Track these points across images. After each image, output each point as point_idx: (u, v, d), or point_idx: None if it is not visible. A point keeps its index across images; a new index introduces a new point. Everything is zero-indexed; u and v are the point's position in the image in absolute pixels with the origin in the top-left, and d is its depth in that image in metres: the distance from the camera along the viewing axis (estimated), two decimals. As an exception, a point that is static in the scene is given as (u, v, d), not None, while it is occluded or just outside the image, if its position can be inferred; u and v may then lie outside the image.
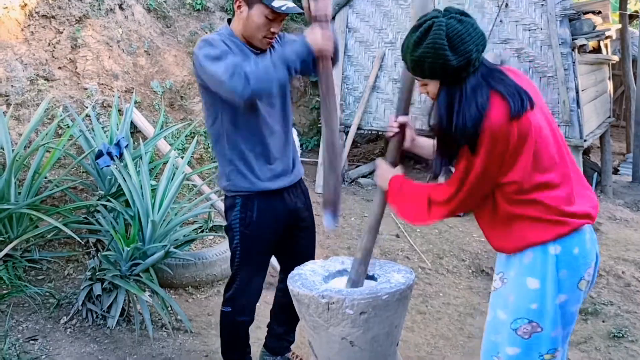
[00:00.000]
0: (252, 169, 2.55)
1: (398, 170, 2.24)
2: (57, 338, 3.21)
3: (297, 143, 2.92)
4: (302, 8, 2.31)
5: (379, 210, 2.34)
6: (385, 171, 2.24)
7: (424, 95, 5.80)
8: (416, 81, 2.00)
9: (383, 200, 2.30)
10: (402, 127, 2.23)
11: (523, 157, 1.88)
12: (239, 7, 2.36)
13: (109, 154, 3.30)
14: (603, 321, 3.62)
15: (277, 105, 2.56)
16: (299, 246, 2.83)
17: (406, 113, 2.26)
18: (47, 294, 3.52)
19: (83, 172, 4.32)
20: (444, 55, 1.78)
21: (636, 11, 12.93)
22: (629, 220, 5.22)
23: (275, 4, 2.28)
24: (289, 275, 2.51)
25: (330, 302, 2.29)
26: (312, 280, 2.48)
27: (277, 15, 2.33)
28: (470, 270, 4.30)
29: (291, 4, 2.33)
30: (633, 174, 6.64)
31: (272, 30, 2.36)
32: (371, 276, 2.56)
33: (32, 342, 3.15)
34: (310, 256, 2.89)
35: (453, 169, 1.99)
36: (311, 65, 2.35)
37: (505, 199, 1.95)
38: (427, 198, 2.04)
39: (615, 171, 7.12)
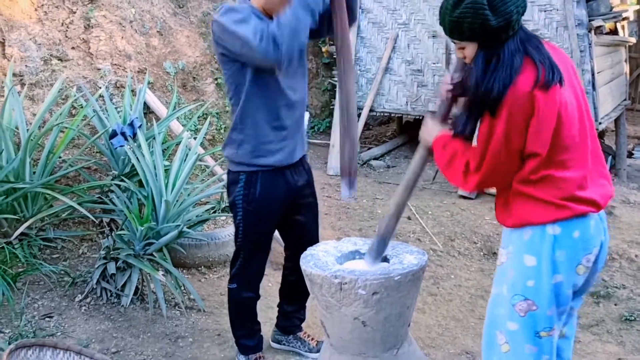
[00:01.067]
0: (262, 142, 2.56)
1: (444, 128, 2.14)
2: (72, 316, 3.26)
3: (306, 124, 2.91)
4: None
5: (419, 167, 2.26)
6: (432, 127, 2.16)
7: (437, 77, 5.84)
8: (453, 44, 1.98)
9: (424, 157, 2.23)
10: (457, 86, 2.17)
11: (546, 129, 1.87)
12: None
13: (123, 134, 3.31)
14: (615, 304, 3.62)
15: (297, 77, 2.57)
16: (302, 223, 2.86)
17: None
18: (62, 272, 3.57)
19: (97, 152, 4.34)
20: (483, 14, 1.77)
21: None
22: (643, 204, 5.18)
23: None
24: (302, 255, 2.52)
25: (343, 282, 2.30)
26: (324, 260, 2.49)
27: None
28: (481, 253, 4.30)
29: None
30: (648, 158, 6.59)
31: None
32: (384, 257, 2.57)
33: (47, 319, 3.20)
34: (314, 233, 2.92)
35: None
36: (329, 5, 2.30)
37: (519, 177, 1.95)
38: (465, 163, 2.00)
39: (630, 155, 7.06)
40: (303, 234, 2.88)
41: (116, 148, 3.43)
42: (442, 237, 4.46)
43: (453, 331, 3.43)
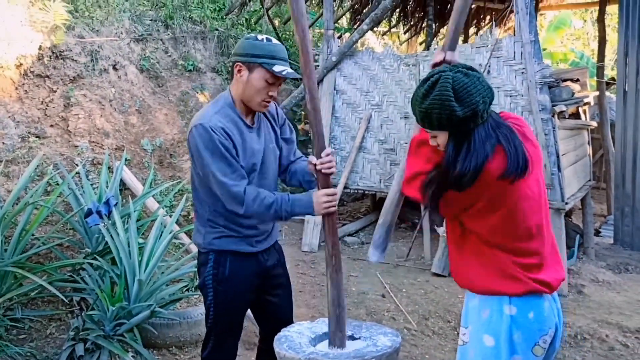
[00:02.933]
0: (229, 232, 2.57)
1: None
2: (36, 401, 3.15)
3: None
4: (299, 72, 2.43)
5: None
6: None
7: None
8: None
9: None
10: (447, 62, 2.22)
11: (491, 218, 1.96)
12: (240, 71, 2.44)
13: (99, 212, 3.32)
14: (588, 385, 3.62)
15: (270, 176, 2.63)
16: (275, 304, 2.81)
17: (453, 50, 2.24)
18: (29, 354, 3.46)
19: (70, 229, 4.32)
20: (450, 106, 1.83)
21: (612, 78, 13.42)
22: (612, 282, 5.27)
23: (276, 68, 2.37)
24: (276, 337, 2.50)
25: (317, 366, 2.28)
26: (298, 342, 2.47)
27: (276, 79, 2.42)
28: (455, 332, 4.29)
29: (290, 70, 2.42)
30: (614, 236, 6.75)
31: (271, 93, 2.45)
32: (358, 338, 2.57)
33: (10, 405, 3.08)
34: (288, 313, 2.88)
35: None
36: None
37: (476, 236, 2.03)
38: (414, 175, 2.09)
39: (597, 233, 7.22)
40: (276, 315, 2.84)
41: (91, 226, 3.42)
42: (416, 315, 4.46)
43: (428, 414, 3.38)
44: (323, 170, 2.42)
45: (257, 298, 2.76)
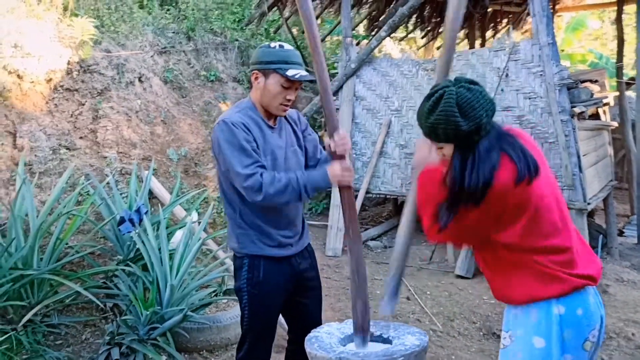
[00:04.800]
0: (260, 236, 2.65)
1: (434, 158, 2.18)
2: (75, 403, 3.26)
3: None
4: (313, 75, 2.52)
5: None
6: (421, 151, 2.22)
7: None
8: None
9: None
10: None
11: (520, 222, 2.00)
12: (256, 78, 2.55)
13: (131, 220, 3.43)
14: (616, 384, 3.64)
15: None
16: (306, 306, 2.89)
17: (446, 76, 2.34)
18: (66, 358, 3.58)
19: (101, 237, 4.45)
20: (455, 121, 1.90)
21: (632, 78, 13.31)
22: (637, 282, 5.26)
23: (289, 72, 2.47)
24: (306, 338, 2.58)
25: (348, 365, 2.35)
26: (328, 342, 2.54)
27: (291, 83, 2.51)
28: (481, 333, 4.33)
29: (304, 72, 2.52)
30: (638, 235, 6.71)
31: (288, 97, 2.55)
32: (386, 338, 2.63)
33: (50, 407, 3.19)
34: (317, 316, 2.95)
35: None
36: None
37: (508, 249, 2.06)
38: (433, 215, 2.11)
39: (621, 233, 7.18)
40: (307, 317, 2.91)
41: (124, 234, 3.54)
42: (441, 317, 4.51)
43: (456, 414, 3.42)
44: (337, 151, 2.49)
45: (289, 300, 2.84)
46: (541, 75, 5.33)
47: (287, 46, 2.57)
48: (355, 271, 2.53)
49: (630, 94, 9.14)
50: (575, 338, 2.03)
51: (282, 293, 2.77)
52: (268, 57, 2.50)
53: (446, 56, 2.37)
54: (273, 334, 2.90)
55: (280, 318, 3.06)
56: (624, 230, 7.43)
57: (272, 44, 2.55)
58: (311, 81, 2.58)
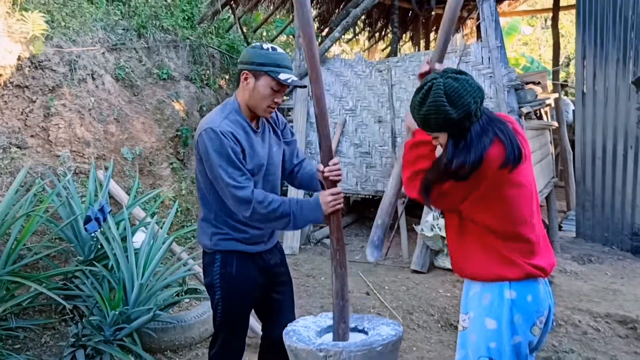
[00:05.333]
0: (234, 234, 2.68)
1: None
2: (40, 407, 3.17)
3: None
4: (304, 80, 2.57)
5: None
6: (412, 119, 2.31)
7: (384, 159, 6.19)
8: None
9: None
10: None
11: (491, 203, 2.12)
12: (246, 78, 2.54)
13: (97, 219, 3.37)
14: (567, 368, 3.85)
15: (274, 181, 2.74)
16: (278, 301, 2.93)
17: (441, 62, 2.44)
18: (27, 362, 3.48)
19: (56, 239, 4.32)
20: (444, 110, 2.00)
21: (565, 81, 14.05)
22: (578, 273, 5.57)
23: (281, 76, 2.48)
24: (284, 332, 2.61)
25: (328, 355, 2.40)
26: (306, 335, 2.60)
27: (281, 87, 2.53)
28: (439, 325, 4.49)
29: (295, 77, 2.55)
30: (577, 229, 7.09)
31: (276, 100, 2.57)
32: (361, 330, 2.71)
33: (14, 412, 3.10)
34: (291, 309, 2.99)
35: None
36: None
37: (475, 225, 2.19)
38: (414, 173, 2.25)
39: (559, 228, 7.58)
40: (280, 312, 2.95)
41: (91, 233, 3.47)
42: (400, 310, 4.63)
43: (421, 402, 3.54)
44: (331, 178, 2.57)
45: (261, 296, 2.87)
46: (490, 77, 5.56)
47: (279, 49, 2.58)
48: (340, 294, 2.58)
49: (563, 97, 9.65)
50: (524, 322, 2.17)
51: (254, 288, 2.79)
52: (260, 58, 2.50)
53: (441, 42, 2.47)
54: (246, 330, 2.92)
55: (252, 323, 3.07)
56: (562, 225, 7.83)
57: (265, 46, 2.55)
58: (301, 86, 2.61)
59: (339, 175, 2.57)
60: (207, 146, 2.49)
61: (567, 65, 15.69)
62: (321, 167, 2.56)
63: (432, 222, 5.51)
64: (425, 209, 5.68)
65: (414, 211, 6.55)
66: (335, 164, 2.55)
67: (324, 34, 8.81)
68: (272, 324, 2.95)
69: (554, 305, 2.32)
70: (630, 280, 5.36)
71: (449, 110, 2.01)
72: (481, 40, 5.74)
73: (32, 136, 4.78)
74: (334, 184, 2.57)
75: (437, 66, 2.38)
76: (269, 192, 2.65)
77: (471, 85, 2.04)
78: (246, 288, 2.75)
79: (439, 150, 2.21)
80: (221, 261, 2.69)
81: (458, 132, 2.07)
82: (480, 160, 2.04)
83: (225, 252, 2.69)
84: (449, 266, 5.42)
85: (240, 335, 2.88)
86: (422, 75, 2.40)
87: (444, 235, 5.29)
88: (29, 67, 4.82)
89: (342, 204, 2.59)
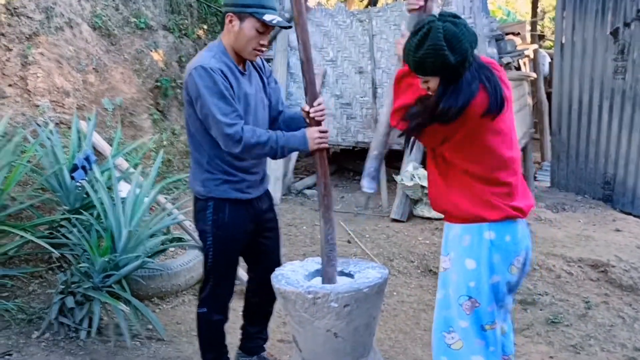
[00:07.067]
0: (227, 180, 2.73)
1: None
2: (31, 352, 3.23)
3: None
4: (288, 22, 2.56)
5: None
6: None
7: (365, 110, 6.23)
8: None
9: None
10: (426, 1, 2.42)
11: (472, 148, 2.19)
12: (231, 21, 2.54)
13: (83, 167, 3.37)
14: (540, 309, 4.04)
15: (261, 122, 2.77)
16: (265, 246, 3.01)
17: None
18: (15, 308, 3.52)
19: (39, 189, 4.31)
20: (443, 54, 2.00)
21: (542, 31, 14.08)
22: (552, 220, 5.75)
23: (266, 17, 2.48)
24: (272, 275, 2.70)
25: (316, 297, 2.50)
26: (295, 278, 2.69)
27: (266, 28, 2.54)
28: (419, 271, 4.64)
29: (280, 18, 2.55)
30: (551, 179, 7.28)
31: (261, 42, 2.57)
32: (347, 273, 2.81)
33: (7, 357, 3.15)
34: (277, 254, 3.09)
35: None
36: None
37: (455, 168, 2.27)
38: (401, 107, 2.30)
39: (534, 178, 7.78)
40: (267, 256, 3.03)
41: (77, 182, 3.47)
42: (381, 258, 4.77)
43: (402, 343, 3.69)
44: (316, 118, 2.61)
45: (250, 240, 2.93)
46: (472, 26, 5.56)
47: None
48: (328, 238, 2.67)
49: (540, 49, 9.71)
50: (503, 262, 2.28)
51: (245, 234, 2.86)
52: (244, 0, 2.50)
53: None
54: (235, 274, 3.01)
55: (240, 272, 3.15)
56: (536, 175, 8.03)
57: None
58: (285, 27, 2.61)
59: (324, 115, 2.62)
60: (197, 84, 2.49)
61: (542, 18, 15.72)
62: (306, 107, 2.60)
63: (411, 172, 5.60)
64: (405, 159, 5.77)
65: (393, 162, 6.63)
66: (319, 104, 2.58)
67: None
68: (258, 265, 3.04)
69: (531, 246, 2.42)
70: (602, 227, 5.56)
71: (447, 55, 1.99)
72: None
73: (9, 85, 4.70)
74: (318, 124, 2.62)
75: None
76: (260, 125, 2.71)
77: (469, 30, 2.05)
78: (237, 234, 2.82)
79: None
80: (214, 208, 2.74)
81: (451, 77, 2.07)
82: (466, 106, 2.08)
83: (218, 199, 2.74)
84: (428, 215, 5.56)
85: (230, 278, 2.96)
86: (412, 11, 2.41)
87: (424, 184, 5.41)
88: (5, 14, 4.69)
89: (327, 144, 2.65)
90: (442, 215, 2.51)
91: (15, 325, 3.43)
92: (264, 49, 2.62)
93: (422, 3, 2.36)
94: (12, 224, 3.75)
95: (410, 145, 2.37)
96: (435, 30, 2.02)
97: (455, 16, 2.10)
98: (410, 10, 2.46)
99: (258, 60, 2.80)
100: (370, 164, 2.67)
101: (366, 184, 2.67)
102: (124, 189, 3.92)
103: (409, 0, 2.40)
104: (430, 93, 2.18)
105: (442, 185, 2.36)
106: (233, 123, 2.49)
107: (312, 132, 2.59)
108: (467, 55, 2.04)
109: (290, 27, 2.57)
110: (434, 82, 2.13)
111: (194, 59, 2.60)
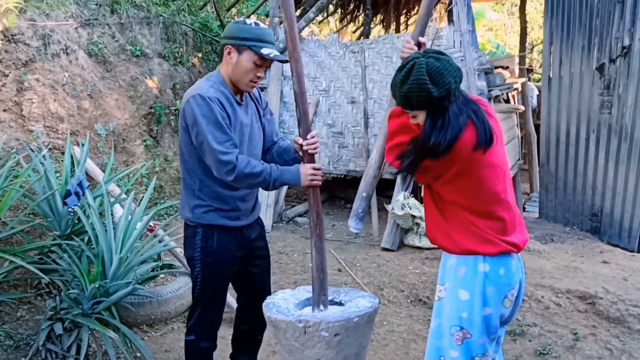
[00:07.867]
0: (217, 207, 2.75)
1: None
2: (18, 379, 3.21)
3: None
4: (282, 52, 2.63)
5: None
6: None
7: (356, 139, 6.30)
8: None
9: None
10: (419, 45, 2.46)
11: (464, 182, 2.23)
12: (229, 53, 2.60)
13: (77, 193, 3.38)
14: (529, 340, 4.05)
15: (255, 151, 2.81)
16: (255, 274, 3.02)
17: (422, 35, 2.54)
18: (3, 334, 3.49)
19: (30, 213, 4.31)
20: (426, 88, 2.07)
21: (530, 65, 14.35)
22: (541, 251, 5.80)
23: (264, 51, 2.54)
24: (264, 304, 2.71)
25: (307, 326, 2.51)
26: (286, 307, 2.70)
27: (264, 62, 2.59)
28: (409, 300, 4.65)
29: (277, 52, 2.61)
30: (540, 210, 7.35)
31: (258, 75, 2.62)
32: (338, 302, 2.82)
33: (-7, 384, 3.13)
34: (267, 283, 3.10)
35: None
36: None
37: (450, 203, 2.31)
38: (395, 145, 2.34)
39: (523, 209, 7.85)
40: (256, 285, 3.04)
41: (70, 207, 3.48)
42: (371, 287, 4.77)
43: (392, 373, 3.69)
44: (309, 151, 2.66)
45: (240, 269, 2.95)
46: (462, 60, 5.69)
47: (262, 25, 2.64)
48: (320, 267, 2.70)
49: (528, 82, 9.89)
50: (496, 295, 2.30)
51: (234, 261, 2.87)
52: (243, 33, 2.56)
53: (421, 24, 2.57)
54: (224, 302, 3.01)
55: (229, 299, 3.15)
56: (525, 206, 8.10)
57: (248, 21, 2.61)
58: (282, 61, 2.67)
59: (317, 147, 2.66)
60: (195, 112, 2.53)
61: (531, 51, 16.04)
62: (300, 140, 2.65)
63: (402, 201, 5.65)
64: (396, 188, 5.83)
65: (384, 191, 6.69)
66: (313, 137, 2.63)
67: (297, 14, 8.81)
68: (248, 293, 3.05)
69: (524, 279, 2.46)
70: (589, 259, 5.61)
71: (430, 89, 2.07)
72: (453, 24, 5.85)
73: (4, 110, 4.73)
74: (311, 157, 2.66)
75: (421, 39, 2.47)
76: (255, 154, 2.76)
77: (452, 65, 2.12)
78: (226, 262, 2.83)
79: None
80: (202, 234, 2.76)
81: (437, 111, 2.13)
82: (455, 140, 2.13)
83: (206, 225, 2.75)
84: (419, 244, 5.59)
85: (218, 307, 2.96)
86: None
87: (414, 214, 5.45)
88: (2, 40, 4.74)
89: (320, 182, 2.69)
90: (433, 245, 2.55)
91: (3, 352, 3.40)
92: (259, 81, 2.68)
93: (416, 49, 2.44)
94: (2, 249, 3.74)
95: (407, 182, 2.43)
96: (418, 66, 2.10)
97: (440, 52, 2.18)
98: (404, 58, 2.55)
99: (255, 91, 2.85)
100: (358, 205, 2.73)
101: (353, 225, 2.73)
102: (116, 214, 3.94)
103: (402, 48, 2.48)
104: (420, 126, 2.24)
105: (439, 220, 2.40)
106: (228, 152, 2.53)
107: (305, 169, 2.64)
108: (450, 89, 2.10)
109: (287, 61, 2.63)
110: (421, 116, 2.19)
111: (193, 87, 2.65)
